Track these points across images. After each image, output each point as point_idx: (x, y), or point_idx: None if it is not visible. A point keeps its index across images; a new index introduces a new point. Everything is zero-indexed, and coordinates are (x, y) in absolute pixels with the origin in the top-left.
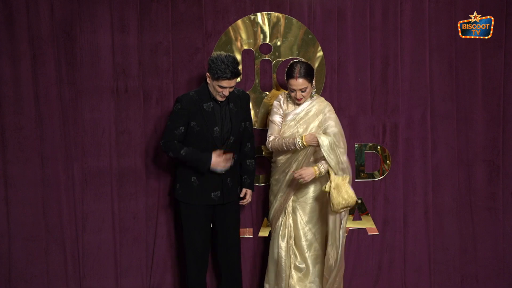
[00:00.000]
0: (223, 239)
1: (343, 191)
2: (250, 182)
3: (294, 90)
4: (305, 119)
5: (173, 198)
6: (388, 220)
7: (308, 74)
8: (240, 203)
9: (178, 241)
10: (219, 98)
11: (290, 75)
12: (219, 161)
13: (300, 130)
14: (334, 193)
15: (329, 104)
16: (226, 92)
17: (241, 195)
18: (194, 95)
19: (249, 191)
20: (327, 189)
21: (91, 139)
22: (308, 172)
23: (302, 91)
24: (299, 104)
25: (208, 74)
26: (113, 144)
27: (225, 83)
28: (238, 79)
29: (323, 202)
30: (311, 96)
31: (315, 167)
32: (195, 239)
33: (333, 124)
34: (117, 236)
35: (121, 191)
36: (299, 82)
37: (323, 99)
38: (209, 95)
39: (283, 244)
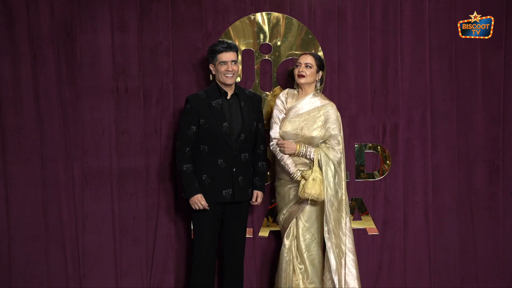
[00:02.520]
0: (230, 238)
1: (317, 186)
2: (261, 184)
3: (300, 64)
4: (307, 117)
5: (176, 198)
6: (388, 220)
7: (317, 57)
8: (251, 203)
9: (179, 241)
10: (229, 81)
11: (301, 54)
12: (197, 202)
13: (302, 125)
14: (310, 183)
15: (331, 103)
16: (231, 67)
17: (253, 199)
18: (203, 93)
19: (260, 193)
20: (306, 175)
21: (91, 139)
22: (290, 146)
23: (307, 67)
24: (301, 85)
25: (210, 65)
26: (113, 144)
27: (224, 56)
28: (238, 58)
29: (322, 203)
30: (316, 89)
31: (298, 146)
32: (204, 238)
33: (334, 132)
34: (117, 236)
35: (121, 191)
36: (307, 57)
37: (325, 97)
38: (218, 92)
39: (287, 243)
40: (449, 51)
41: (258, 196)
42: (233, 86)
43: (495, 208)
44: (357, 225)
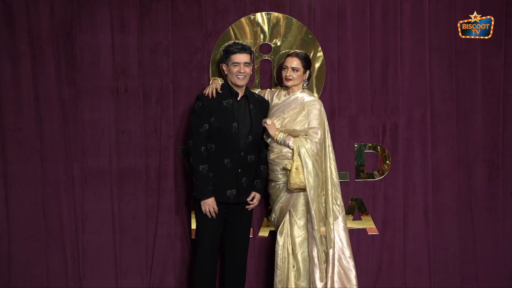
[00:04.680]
0: (233, 238)
1: (300, 174)
2: (261, 187)
3: (286, 68)
4: (292, 113)
5: (176, 197)
6: (388, 220)
7: (304, 59)
8: (246, 207)
9: (179, 241)
10: (240, 82)
11: (288, 54)
12: (209, 205)
13: (286, 121)
14: (294, 173)
15: (316, 99)
16: (243, 69)
17: (249, 199)
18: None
19: (257, 195)
20: (288, 167)
21: (91, 139)
22: (272, 128)
23: (293, 70)
24: (287, 88)
25: (222, 64)
26: (113, 144)
27: (237, 57)
28: (251, 61)
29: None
30: (303, 87)
31: (278, 132)
32: (207, 237)
33: (313, 124)
34: (117, 236)
35: (121, 191)
36: (293, 60)
37: (312, 94)
38: (229, 92)
39: (280, 241)
40: (449, 51)
41: (255, 198)
42: (244, 88)
43: (495, 208)
44: (357, 225)
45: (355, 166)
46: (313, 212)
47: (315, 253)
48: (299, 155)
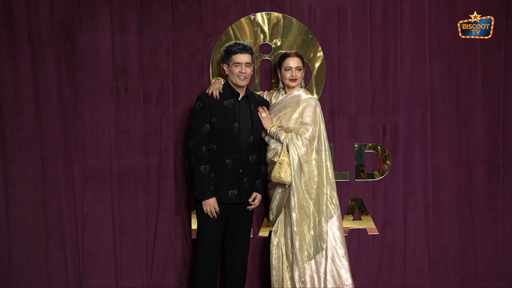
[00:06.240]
0: (234, 238)
1: (282, 169)
2: (262, 187)
3: (290, 68)
4: (288, 110)
5: (176, 198)
6: (388, 220)
7: (301, 56)
8: (247, 207)
9: (179, 241)
10: (241, 82)
11: (285, 56)
12: (210, 206)
13: (282, 113)
14: (277, 167)
15: (312, 98)
16: (244, 69)
17: (250, 199)
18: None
19: (259, 196)
20: (275, 159)
21: (91, 139)
22: (266, 120)
23: (297, 70)
24: (284, 88)
25: (223, 65)
26: (113, 144)
27: (238, 58)
28: (252, 62)
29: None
30: (301, 86)
31: (272, 125)
32: (208, 237)
33: (306, 121)
34: (117, 236)
35: (121, 191)
36: (295, 60)
37: (308, 92)
38: (230, 92)
39: (274, 240)
40: (449, 51)
41: (256, 198)
42: (245, 88)
43: (495, 208)
44: (357, 225)
45: (355, 166)
46: (294, 214)
47: (296, 249)
48: (288, 150)
